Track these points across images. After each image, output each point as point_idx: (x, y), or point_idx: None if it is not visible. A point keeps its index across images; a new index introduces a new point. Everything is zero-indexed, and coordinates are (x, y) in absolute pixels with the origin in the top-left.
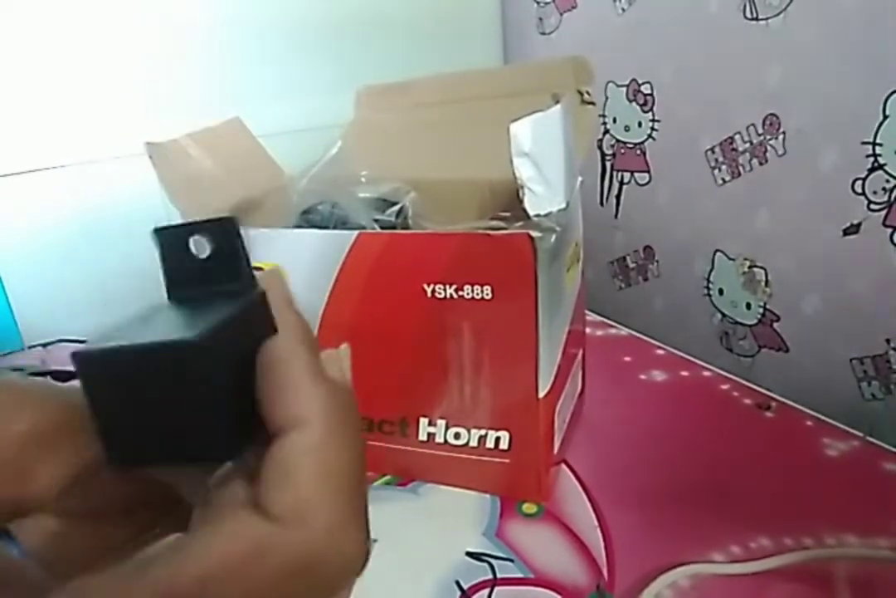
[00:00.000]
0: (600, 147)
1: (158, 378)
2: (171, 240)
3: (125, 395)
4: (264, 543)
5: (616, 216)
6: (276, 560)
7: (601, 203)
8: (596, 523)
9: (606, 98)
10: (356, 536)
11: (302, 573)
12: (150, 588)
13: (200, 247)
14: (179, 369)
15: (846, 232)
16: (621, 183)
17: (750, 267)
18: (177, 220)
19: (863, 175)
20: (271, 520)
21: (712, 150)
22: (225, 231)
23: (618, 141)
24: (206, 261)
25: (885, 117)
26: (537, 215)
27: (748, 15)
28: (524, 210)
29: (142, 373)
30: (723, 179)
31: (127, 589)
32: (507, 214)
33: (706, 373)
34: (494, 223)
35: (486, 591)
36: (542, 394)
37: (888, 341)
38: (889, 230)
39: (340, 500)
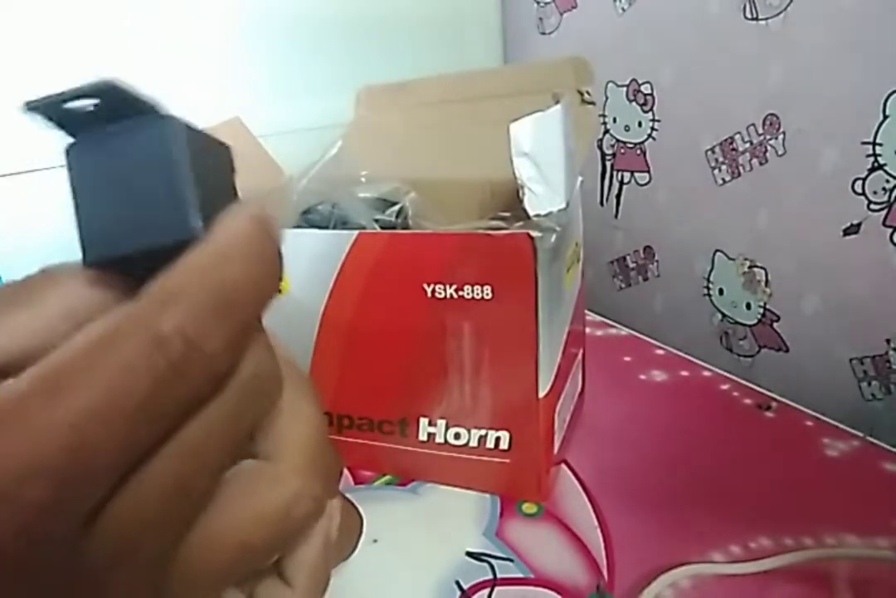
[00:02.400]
0: (600, 147)
1: (135, 156)
2: (48, 109)
3: (104, 179)
4: (127, 319)
5: (616, 216)
6: (131, 339)
7: (601, 203)
8: (596, 523)
9: (606, 98)
10: (212, 330)
11: (150, 353)
12: None
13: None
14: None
15: (846, 232)
16: (621, 183)
17: (750, 267)
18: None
19: (863, 175)
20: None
21: (712, 150)
22: (102, 91)
23: (618, 141)
24: (98, 109)
25: (886, 117)
26: (537, 215)
27: (748, 15)
28: (524, 210)
29: (123, 154)
30: (723, 179)
31: None
32: (508, 214)
33: (706, 373)
34: (494, 223)
35: (486, 591)
36: (542, 394)
37: (888, 341)
38: (889, 230)
39: (206, 293)
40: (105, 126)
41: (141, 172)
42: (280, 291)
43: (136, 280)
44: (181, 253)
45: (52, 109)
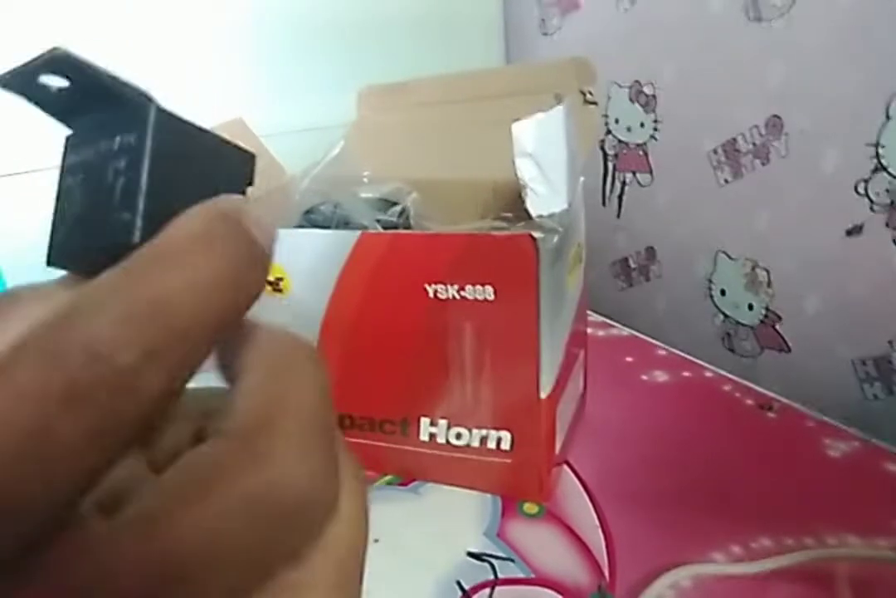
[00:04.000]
0: (602, 148)
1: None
2: (21, 85)
3: (79, 171)
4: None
5: (618, 217)
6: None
7: (603, 204)
8: (597, 523)
9: (609, 99)
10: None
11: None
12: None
13: (54, 81)
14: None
15: (849, 233)
16: (623, 184)
17: (752, 268)
18: None
19: (865, 176)
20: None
21: (715, 151)
22: (59, 62)
23: (620, 141)
24: (72, 91)
25: (888, 119)
26: (539, 216)
27: (751, 16)
28: (526, 211)
29: (94, 144)
30: (725, 180)
31: None
32: (510, 214)
33: (708, 373)
34: (497, 224)
35: (487, 591)
36: (543, 394)
37: (890, 342)
38: (891, 232)
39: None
40: (83, 109)
41: (108, 163)
42: (255, 296)
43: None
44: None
45: (26, 86)
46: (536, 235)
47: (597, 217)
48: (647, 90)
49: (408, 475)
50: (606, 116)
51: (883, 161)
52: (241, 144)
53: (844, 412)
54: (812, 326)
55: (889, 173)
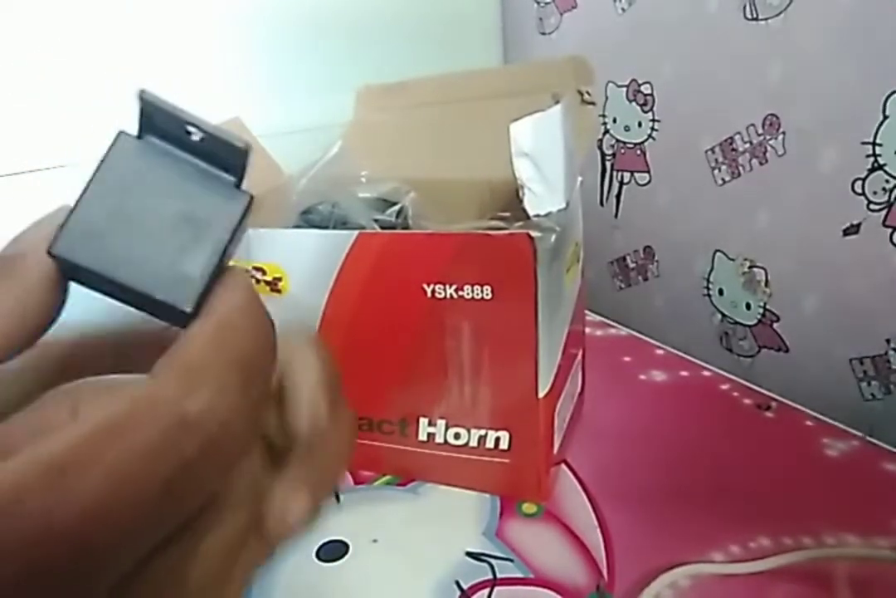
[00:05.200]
0: (600, 147)
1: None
2: (161, 118)
3: (140, 184)
4: (142, 401)
5: (616, 216)
6: (155, 421)
7: (601, 203)
8: (596, 523)
9: (606, 98)
10: (240, 406)
11: (177, 437)
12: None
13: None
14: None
15: (846, 232)
16: (621, 183)
17: (750, 267)
18: None
19: (863, 175)
20: (152, 379)
21: (712, 150)
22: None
23: (618, 141)
24: (197, 143)
25: (885, 117)
26: (537, 215)
27: (748, 15)
28: (524, 210)
29: (177, 184)
30: (723, 179)
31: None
32: (507, 214)
33: (706, 373)
34: (494, 223)
35: (485, 591)
36: (541, 394)
37: (888, 340)
38: (889, 230)
39: (230, 370)
40: (185, 153)
41: (180, 215)
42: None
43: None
44: (159, 313)
45: (162, 116)
46: (534, 234)
47: (595, 216)
48: (644, 89)
49: (406, 475)
50: (604, 115)
51: (880, 160)
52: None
53: (842, 412)
54: (810, 325)
55: (886, 172)
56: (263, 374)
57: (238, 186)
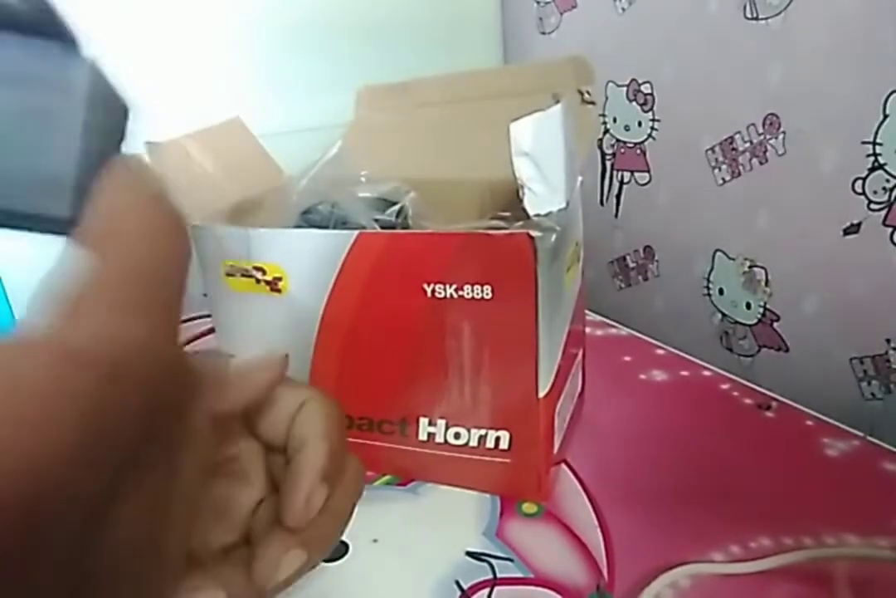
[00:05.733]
0: (600, 147)
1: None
2: None
3: None
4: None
5: (616, 216)
6: (42, 367)
7: (601, 203)
8: (596, 522)
9: (606, 98)
10: (146, 328)
11: (72, 377)
12: None
13: None
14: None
15: (846, 232)
16: (621, 183)
17: (750, 267)
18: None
19: (863, 175)
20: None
21: (712, 149)
22: None
23: (618, 141)
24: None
25: (886, 117)
26: (537, 215)
27: (748, 15)
28: (524, 210)
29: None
30: (723, 179)
31: None
32: (507, 213)
33: (706, 373)
34: (494, 223)
35: (485, 591)
36: (542, 394)
37: (888, 340)
38: (889, 230)
39: (119, 290)
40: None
41: (16, 108)
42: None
43: None
44: (40, 228)
45: None
46: (534, 234)
47: (595, 216)
48: (644, 89)
49: (406, 475)
50: (604, 115)
51: (880, 159)
52: (240, 142)
53: (843, 411)
54: (810, 324)
55: (886, 171)
56: (172, 282)
57: (73, 48)
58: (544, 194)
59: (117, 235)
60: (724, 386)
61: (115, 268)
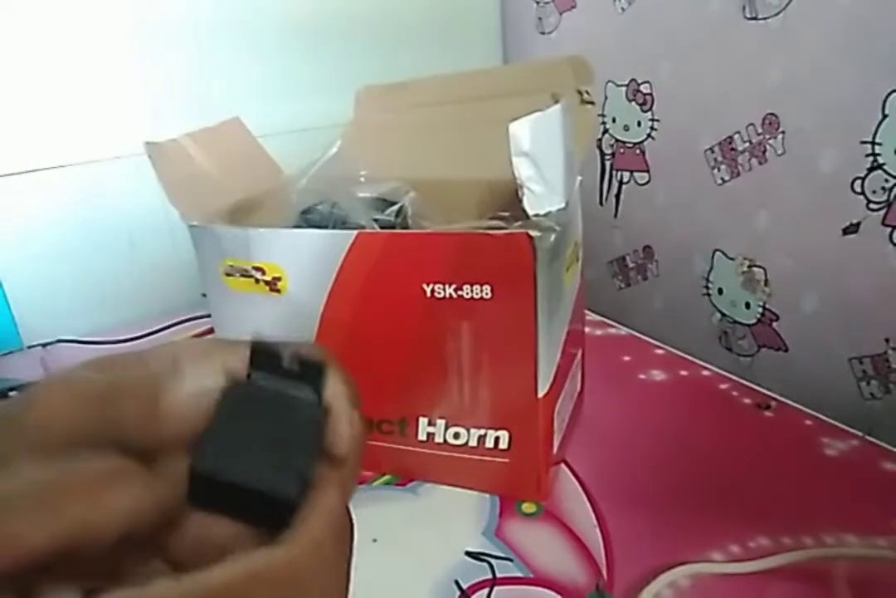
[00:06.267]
0: (600, 147)
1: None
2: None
3: (250, 416)
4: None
5: (615, 216)
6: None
7: (601, 203)
8: (595, 522)
9: (606, 98)
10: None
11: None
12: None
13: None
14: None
15: (845, 231)
16: (621, 182)
17: (749, 266)
18: (176, 220)
19: (862, 174)
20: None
21: (711, 149)
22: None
23: (617, 140)
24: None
25: (885, 116)
26: (536, 215)
27: (748, 14)
28: (523, 210)
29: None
30: (722, 179)
31: None
32: (507, 213)
33: (705, 372)
34: (494, 223)
35: (485, 591)
36: (541, 394)
37: (887, 340)
38: (888, 229)
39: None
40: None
41: (279, 429)
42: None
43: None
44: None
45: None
46: (534, 233)
47: (594, 216)
48: (644, 89)
49: (406, 475)
50: (603, 115)
51: (880, 159)
52: (240, 142)
53: (842, 411)
54: (809, 324)
55: (886, 171)
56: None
57: (318, 402)
58: (543, 194)
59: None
60: (724, 386)
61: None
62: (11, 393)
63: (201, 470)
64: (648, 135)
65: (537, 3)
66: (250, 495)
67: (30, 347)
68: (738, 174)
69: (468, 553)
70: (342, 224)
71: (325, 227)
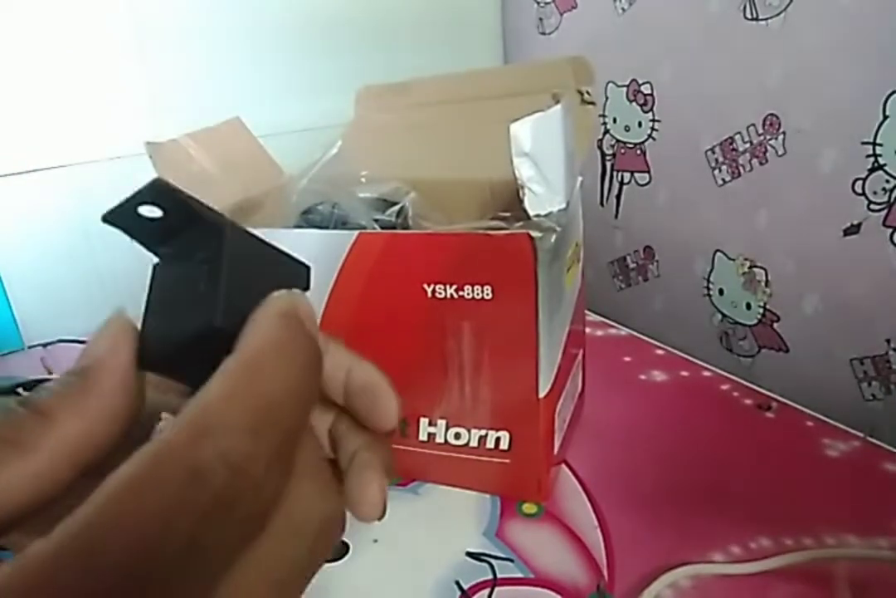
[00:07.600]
0: (600, 147)
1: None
2: (122, 218)
3: (168, 289)
4: (162, 452)
5: (616, 216)
6: (169, 478)
7: (601, 203)
8: (596, 523)
9: (606, 98)
10: (256, 451)
11: (191, 489)
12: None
13: (150, 212)
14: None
15: (846, 232)
16: (621, 183)
17: (750, 267)
18: None
19: (863, 175)
20: (170, 430)
21: (712, 150)
22: (158, 191)
23: (618, 141)
24: (165, 219)
25: (886, 117)
26: (537, 215)
27: (748, 15)
28: (524, 210)
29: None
30: (723, 180)
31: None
32: (508, 214)
33: (706, 373)
34: (494, 223)
35: (486, 591)
36: (542, 394)
37: (888, 341)
38: (889, 230)
39: (244, 414)
40: (173, 238)
41: (193, 273)
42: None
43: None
44: (211, 347)
45: (127, 219)
46: (534, 234)
47: (595, 217)
48: (644, 89)
49: (407, 476)
50: (604, 115)
51: (880, 159)
52: (240, 142)
53: (843, 412)
54: (810, 325)
55: (886, 172)
56: (292, 416)
57: (219, 216)
58: (544, 195)
59: (256, 369)
60: (724, 387)
61: (246, 397)
62: (19, 390)
63: (148, 333)
64: (649, 135)
65: (538, 3)
66: (196, 343)
67: (30, 347)
68: (739, 175)
69: (469, 554)
70: (343, 224)
71: (326, 227)
